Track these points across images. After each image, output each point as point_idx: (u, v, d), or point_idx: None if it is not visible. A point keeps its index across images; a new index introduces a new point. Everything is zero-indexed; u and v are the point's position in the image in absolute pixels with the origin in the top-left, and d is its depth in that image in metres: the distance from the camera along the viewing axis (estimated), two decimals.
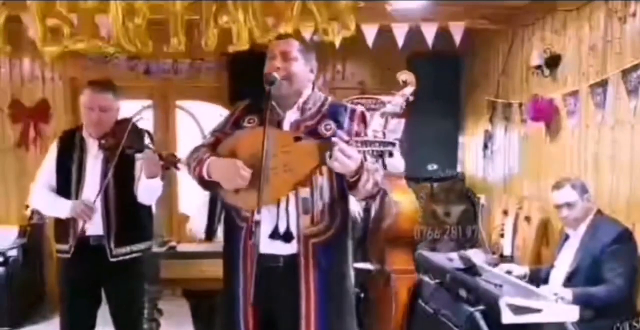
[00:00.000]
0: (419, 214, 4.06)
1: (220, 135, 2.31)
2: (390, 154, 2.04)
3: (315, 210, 2.18)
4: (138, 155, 2.91)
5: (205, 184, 2.24)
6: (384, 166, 2.16)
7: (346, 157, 1.98)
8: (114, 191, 2.94)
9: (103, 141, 2.91)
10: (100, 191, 2.86)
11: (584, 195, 3.19)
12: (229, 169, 2.12)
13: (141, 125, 3.07)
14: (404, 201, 4.00)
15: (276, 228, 2.17)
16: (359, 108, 2.35)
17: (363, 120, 2.28)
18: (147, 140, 2.97)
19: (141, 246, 3.06)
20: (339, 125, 2.23)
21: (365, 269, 4.08)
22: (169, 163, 2.82)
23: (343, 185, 2.23)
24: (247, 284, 2.19)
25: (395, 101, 3.45)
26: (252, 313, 2.23)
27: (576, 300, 2.88)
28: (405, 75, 3.53)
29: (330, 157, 1.99)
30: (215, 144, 2.29)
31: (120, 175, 2.92)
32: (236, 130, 2.28)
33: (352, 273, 2.35)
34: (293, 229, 2.17)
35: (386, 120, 3.49)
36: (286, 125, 2.26)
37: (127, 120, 2.97)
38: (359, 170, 2.06)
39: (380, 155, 2.03)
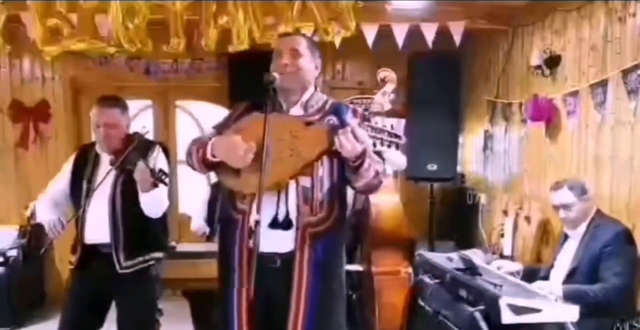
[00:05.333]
0: (402, 215, 4.05)
1: (224, 130, 2.32)
2: (397, 146, 2.09)
3: (314, 200, 2.20)
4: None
5: (208, 166, 2.26)
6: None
7: (356, 139, 2.02)
8: (121, 204, 2.96)
9: (112, 157, 2.96)
10: (86, 205, 2.93)
11: (582, 196, 3.18)
12: (235, 147, 2.13)
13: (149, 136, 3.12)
14: (386, 202, 4.00)
15: (276, 216, 2.18)
16: (360, 109, 2.40)
17: (364, 119, 2.30)
18: (154, 154, 2.98)
19: (153, 256, 3.06)
20: (341, 121, 2.26)
21: (355, 270, 4.10)
22: (156, 179, 2.83)
23: (343, 178, 2.26)
24: (243, 279, 2.21)
25: (377, 100, 3.42)
26: (247, 309, 2.23)
27: (567, 296, 2.87)
28: (383, 73, 3.49)
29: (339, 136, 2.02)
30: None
31: (127, 189, 2.94)
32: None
33: (343, 265, 2.38)
34: (292, 218, 2.18)
35: (368, 119, 3.49)
36: None
37: (133, 136, 3.00)
38: (363, 155, 2.08)
39: (388, 145, 2.08)
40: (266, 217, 2.12)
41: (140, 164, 2.83)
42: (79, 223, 3.00)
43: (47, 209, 3.03)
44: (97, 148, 3.07)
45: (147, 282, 3.06)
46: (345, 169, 2.22)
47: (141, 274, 3.01)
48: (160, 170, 2.85)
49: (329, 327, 2.30)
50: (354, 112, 2.33)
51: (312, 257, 2.21)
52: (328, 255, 2.26)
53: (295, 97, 2.32)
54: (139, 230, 2.98)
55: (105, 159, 3.01)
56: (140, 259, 3.00)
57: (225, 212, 2.33)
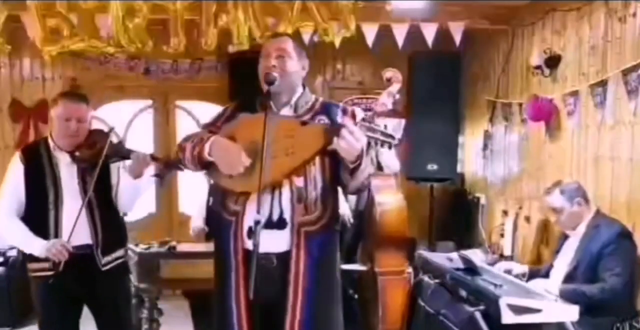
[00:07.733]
0: (406, 214, 4.06)
1: (214, 129, 2.34)
2: (390, 146, 2.10)
3: (308, 199, 2.22)
4: (126, 161, 2.92)
5: (201, 164, 2.26)
6: (379, 167, 2.21)
7: (354, 139, 2.04)
8: (96, 201, 2.89)
9: (78, 153, 2.85)
10: (83, 205, 2.79)
11: (573, 200, 3.18)
12: (232, 153, 2.15)
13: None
14: (391, 202, 4.01)
15: (270, 216, 2.20)
16: (351, 107, 2.44)
17: (354, 117, 2.32)
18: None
19: (121, 253, 3.04)
20: (332, 121, 2.29)
21: (357, 270, 4.10)
22: (167, 164, 2.82)
23: (335, 177, 2.28)
24: (239, 279, 2.24)
25: (382, 100, 3.42)
26: (246, 309, 2.25)
27: (565, 296, 2.87)
28: (389, 73, 3.48)
29: (338, 137, 2.04)
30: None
31: (100, 185, 2.88)
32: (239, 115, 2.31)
33: (339, 263, 2.40)
34: (287, 217, 2.21)
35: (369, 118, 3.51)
36: None
37: (101, 131, 2.95)
38: (361, 156, 2.11)
39: (382, 145, 2.09)
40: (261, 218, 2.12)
41: (137, 152, 2.84)
42: (52, 227, 2.85)
43: (24, 233, 2.84)
44: (51, 146, 2.92)
45: (122, 279, 3.07)
46: (341, 171, 2.23)
47: (115, 270, 2.98)
48: (151, 155, 2.85)
49: (326, 325, 2.31)
50: (344, 110, 2.36)
51: (308, 256, 2.23)
52: (323, 253, 2.28)
53: (285, 99, 2.33)
54: (112, 226, 2.96)
55: (62, 157, 2.89)
56: (113, 256, 2.97)
57: (215, 213, 2.35)
